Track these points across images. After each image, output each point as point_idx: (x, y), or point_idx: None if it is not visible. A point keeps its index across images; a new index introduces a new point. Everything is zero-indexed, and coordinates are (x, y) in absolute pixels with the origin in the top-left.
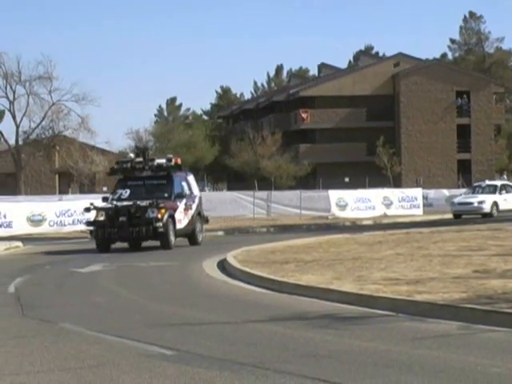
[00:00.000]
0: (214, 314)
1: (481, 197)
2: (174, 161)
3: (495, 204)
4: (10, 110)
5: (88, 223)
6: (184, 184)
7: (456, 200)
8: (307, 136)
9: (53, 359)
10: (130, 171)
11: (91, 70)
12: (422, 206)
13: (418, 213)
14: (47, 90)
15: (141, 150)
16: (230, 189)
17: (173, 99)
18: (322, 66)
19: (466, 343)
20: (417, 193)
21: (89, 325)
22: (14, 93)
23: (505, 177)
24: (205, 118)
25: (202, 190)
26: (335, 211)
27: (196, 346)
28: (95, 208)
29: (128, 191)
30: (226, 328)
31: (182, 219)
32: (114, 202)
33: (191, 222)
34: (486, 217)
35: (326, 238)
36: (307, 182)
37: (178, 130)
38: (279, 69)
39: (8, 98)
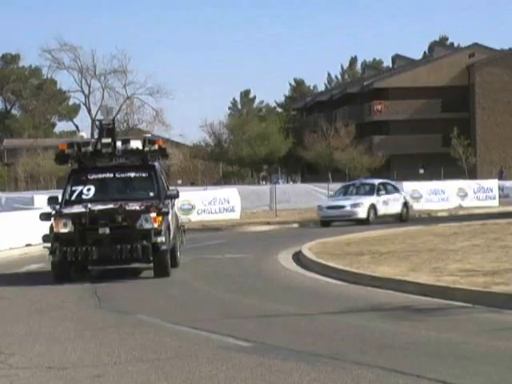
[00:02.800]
0: (289, 306)
1: (355, 199)
2: (156, 144)
3: (373, 207)
4: (85, 104)
5: (45, 238)
6: (163, 178)
7: (324, 203)
8: (381, 128)
9: (130, 350)
10: (91, 158)
11: (165, 64)
12: (497, 197)
13: (493, 204)
14: (122, 83)
15: (105, 127)
16: (304, 181)
17: (247, 92)
18: (396, 58)
19: None
20: (492, 184)
21: (165, 317)
22: (89, 87)
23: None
24: (278, 110)
25: (276, 182)
26: (410, 203)
27: (272, 337)
28: (55, 214)
29: (92, 189)
30: (302, 320)
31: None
32: (89, 206)
33: (174, 235)
34: (363, 224)
35: (401, 230)
36: (381, 173)
37: (252, 123)
38: (353, 60)
39: (83, 92)
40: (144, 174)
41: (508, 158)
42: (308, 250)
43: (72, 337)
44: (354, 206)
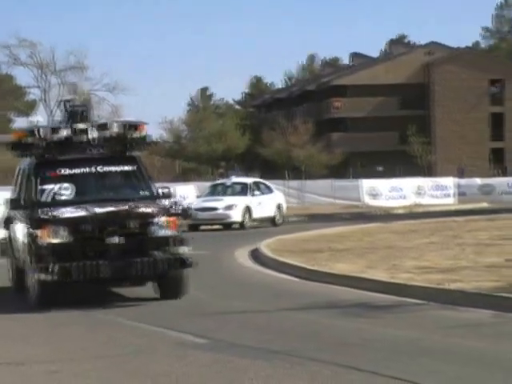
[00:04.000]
0: (246, 303)
1: (228, 200)
2: (139, 129)
3: (248, 210)
4: (43, 100)
5: (38, 253)
6: None
7: (195, 204)
8: (340, 125)
9: (88, 347)
10: (59, 148)
11: (124, 60)
12: (454, 194)
13: (450, 202)
14: (79, 79)
15: (77, 109)
16: (262, 178)
17: (204, 89)
18: (355, 55)
19: (500, 332)
20: (448, 182)
21: (124, 314)
22: (47, 83)
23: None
24: (237, 107)
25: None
26: (367, 200)
27: (229, 334)
28: (42, 220)
29: (69, 187)
30: (259, 317)
31: None
32: (87, 209)
33: None
34: (239, 228)
35: (359, 227)
36: (339, 171)
37: (210, 119)
38: (311, 58)
39: (42, 87)
40: (130, 168)
41: (464, 156)
42: (266, 247)
43: (31, 333)
44: (228, 208)
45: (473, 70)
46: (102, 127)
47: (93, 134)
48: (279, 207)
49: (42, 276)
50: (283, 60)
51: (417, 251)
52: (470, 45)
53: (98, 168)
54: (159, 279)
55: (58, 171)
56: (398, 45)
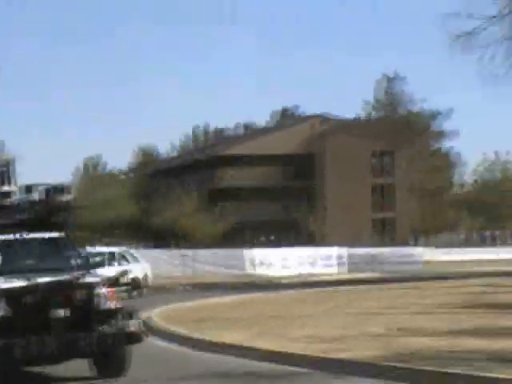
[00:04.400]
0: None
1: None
2: (66, 194)
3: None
4: None
5: None
6: None
7: None
8: (230, 194)
9: None
10: None
11: (16, 127)
12: (340, 264)
13: (336, 271)
14: None
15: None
16: (155, 247)
17: (94, 156)
18: (244, 125)
19: None
20: (334, 251)
21: None
22: None
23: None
24: (125, 176)
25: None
26: (254, 270)
27: None
28: None
29: None
30: None
31: None
32: (28, 278)
33: None
34: None
35: (248, 297)
36: (229, 240)
37: (101, 188)
38: (200, 128)
39: None
40: (57, 235)
41: (352, 225)
42: (155, 315)
43: None
44: None
45: (361, 141)
46: (29, 190)
47: (18, 197)
48: (145, 277)
49: None
50: (171, 130)
51: (303, 321)
52: (357, 116)
53: (26, 234)
54: (102, 356)
55: None
56: (287, 116)
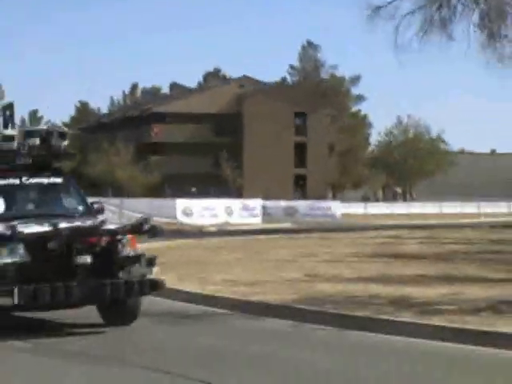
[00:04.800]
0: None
1: None
2: (67, 139)
3: None
4: None
5: None
6: None
7: None
8: (158, 149)
9: None
10: None
11: None
12: (260, 215)
13: (257, 221)
14: None
15: (4, 113)
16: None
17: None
18: (174, 85)
19: (297, 340)
20: (256, 203)
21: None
22: None
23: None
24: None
25: None
26: (182, 218)
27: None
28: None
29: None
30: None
31: None
32: (50, 224)
33: None
34: None
35: (174, 243)
36: (158, 190)
37: None
38: (134, 86)
39: None
40: (58, 181)
41: (271, 180)
42: None
43: None
44: None
45: (280, 103)
46: (31, 134)
47: (21, 141)
48: None
49: (1, 301)
50: (109, 87)
51: (224, 266)
52: (278, 80)
53: (29, 180)
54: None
55: None
56: (214, 77)
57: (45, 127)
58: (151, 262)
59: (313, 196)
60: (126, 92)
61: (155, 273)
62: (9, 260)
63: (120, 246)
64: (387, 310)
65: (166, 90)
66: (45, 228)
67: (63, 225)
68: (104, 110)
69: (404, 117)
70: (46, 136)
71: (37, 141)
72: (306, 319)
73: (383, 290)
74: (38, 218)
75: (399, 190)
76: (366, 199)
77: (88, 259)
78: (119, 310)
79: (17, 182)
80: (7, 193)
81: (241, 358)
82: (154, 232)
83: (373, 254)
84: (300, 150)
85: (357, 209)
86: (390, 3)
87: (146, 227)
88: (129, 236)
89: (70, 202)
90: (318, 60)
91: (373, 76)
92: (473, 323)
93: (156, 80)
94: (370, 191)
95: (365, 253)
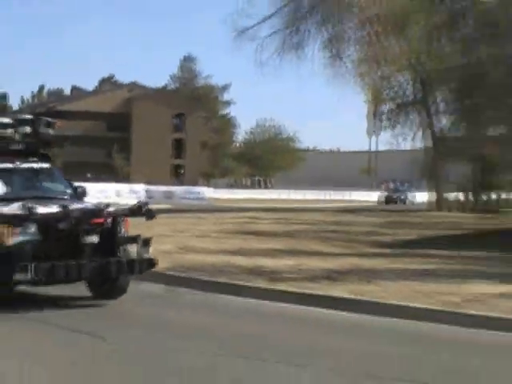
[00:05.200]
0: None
1: None
2: (54, 126)
3: None
4: None
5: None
6: None
7: None
8: (60, 141)
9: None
10: None
11: None
12: (144, 197)
13: None
14: None
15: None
16: None
17: None
18: (74, 88)
19: (167, 301)
20: (140, 188)
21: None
22: None
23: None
24: None
25: None
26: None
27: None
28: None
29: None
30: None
31: None
32: (64, 205)
33: None
34: None
35: None
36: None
37: None
38: (41, 88)
39: None
40: (46, 166)
41: (153, 170)
42: None
43: None
44: None
45: (162, 105)
46: (23, 122)
47: (15, 129)
48: None
49: (19, 276)
50: (19, 87)
51: None
52: (161, 86)
53: (20, 165)
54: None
55: None
56: (108, 82)
57: (32, 116)
58: (147, 243)
59: (188, 183)
60: (35, 92)
61: (151, 252)
62: (25, 238)
63: (121, 228)
64: (244, 278)
65: (67, 91)
66: (54, 209)
67: (73, 206)
68: (15, 107)
69: (265, 119)
70: (35, 124)
71: (27, 129)
72: (178, 284)
73: (241, 260)
74: (38, 199)
75: (260, 179)
76: (231, 186)
77: (95, 239)
78: (111, 285)
79: (11, 166)
80: (3, 176)
81: (130, 319)
82: (150, 214)
83: (234, 231)
84: (179, 145)
85: (224, 194)
86: (252, 27)
87: (144, 210)
88: (125, 219)
89: (58, 186)
90: (195, 70)
91: (243, 84)
92: (311, 288)
93: (60, 83)
94: (236, 180)
95: (228, 230)
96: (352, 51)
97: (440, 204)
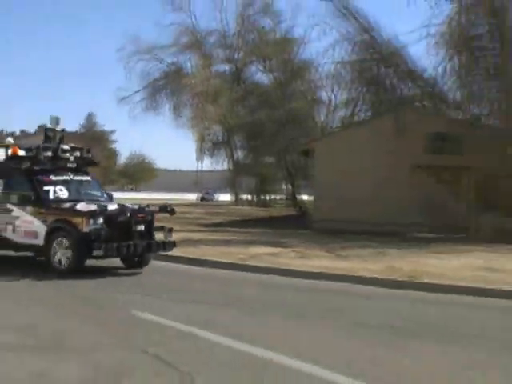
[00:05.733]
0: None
1: None
2: (90, 153)
3: None
4: None
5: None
6: None
7: None
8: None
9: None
10: (48, 161)
11: None
12: None
13: None
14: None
15: (61, 134)
16: None
17: None
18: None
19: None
20: None
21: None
22: None
23: None
24: None
25: None
26: None
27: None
28: (94, 211)
29: (63, 189)
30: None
31: None
32: (125, 204)
33: None
34: None
35: None
36: None
37: None
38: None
39: None
40: (88, 178)
41: None
42: None
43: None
44: None
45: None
46: (74, 149)
47: (71, 153)
48: None
49: (96, 252)
50: None
51: None
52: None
53: (74, 177)
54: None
55: (48, 177)
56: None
57: (81, 146)
58: (170, 230)
59: None
60: None
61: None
62: (95, 227)
63: (154, 220)
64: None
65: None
66: (115, 207)
67: (130, 206)
68: None
69: (135, 150)
70: (82, 151)
71: (78, 153)
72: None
73: None
74: (89, 201)
75: (133, 186)
76: (117, 190)
77: (141, 227)
78: (140, 260)
79: (68, 178)
80: (64, 185)
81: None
82: (173, 211)
83: None
84: None
85: (115, 194)
86: (128, 96)
87: (169, 208)
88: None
89: (96, 192)
90: (95, 121)
91: (124, 129)
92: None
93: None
94: (118, 187)
95: None
96: (188, 112)
97: (237, 201)
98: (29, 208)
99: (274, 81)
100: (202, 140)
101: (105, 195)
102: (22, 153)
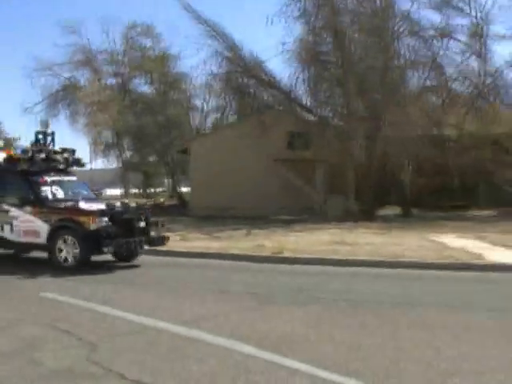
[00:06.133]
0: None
1: None
2: (74, 153)
3: None
4: None
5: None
6: None
7: None
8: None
9: None
10: (41, 163)
11: None
12: None
13: None
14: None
15: (51, 137)
16: None
17: None
18: None
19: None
20: None
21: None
22: None
23: None
24: None
25: None
26: None
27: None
28: (100, 211)
29: (58, 189)
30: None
31: None
32: (125, 202)
33: None
34: None
35: None
36: None
37: None
38: None
39: None
40: (74, 178)
41: None
42: None
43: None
44: None
45: None
46: (63, 151)
47: (61, 155)
48: None
49: (105, 248)
50: None
51: None
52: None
53: (65, 177)
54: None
55: (43, 178)
56: None
57: (70, 148)
58: (163, 225)
59: None
60: None
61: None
62: (101, 224)
63: (150, 217)
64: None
65: None
66: (118, 205)
67: (132, 204)
68: None
69: None
70: (71, 153)
71: (67, 155)
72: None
73: None
74: (88, 200)
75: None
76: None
77: (142, 224)
78: (131, 252)
79: (60, 179)
80: (57, 185)
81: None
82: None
83: None
84: None
85: None
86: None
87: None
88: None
89: (84, 191)
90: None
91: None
92: None
93: None
94: None
95: None
96: (83, 120)
97: (126, 195)
98: (28, 208)
99: (155, 91)
100: (95, 143)
101: (92, 194)
102: (17, 155)
